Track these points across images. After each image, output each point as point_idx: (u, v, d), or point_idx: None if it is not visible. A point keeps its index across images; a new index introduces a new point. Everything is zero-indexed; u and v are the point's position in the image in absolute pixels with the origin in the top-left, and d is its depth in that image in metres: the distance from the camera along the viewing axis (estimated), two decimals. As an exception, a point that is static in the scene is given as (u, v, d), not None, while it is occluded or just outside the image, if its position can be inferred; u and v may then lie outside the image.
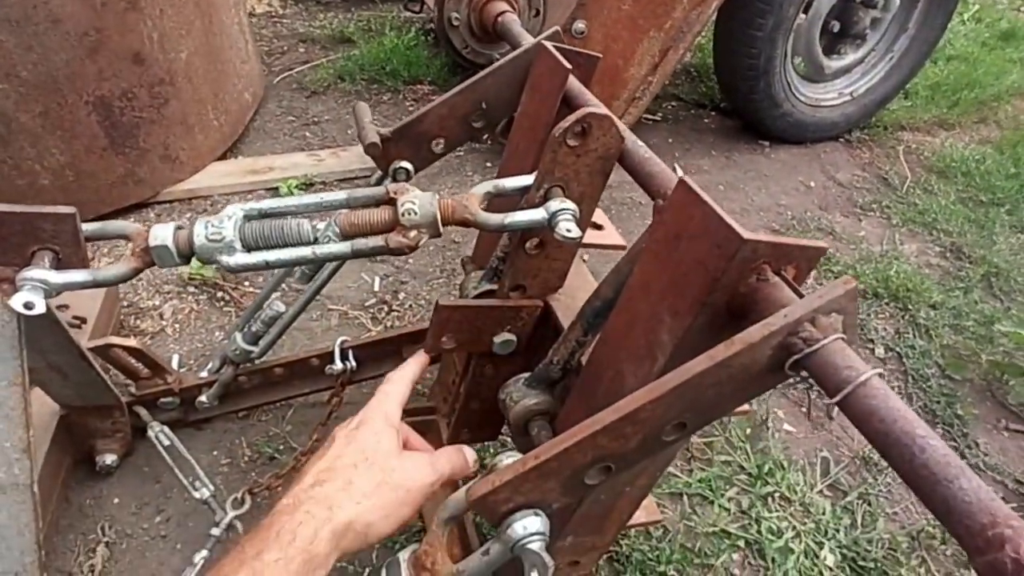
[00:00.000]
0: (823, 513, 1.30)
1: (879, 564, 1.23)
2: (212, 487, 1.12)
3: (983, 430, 1.54)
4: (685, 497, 1.31)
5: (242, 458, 1.29)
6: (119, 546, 1.13)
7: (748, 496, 1.32)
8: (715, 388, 0.51)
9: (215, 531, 1.06)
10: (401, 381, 0.73)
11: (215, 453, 1.29)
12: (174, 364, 1.28)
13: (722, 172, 2.39)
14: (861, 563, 1.22)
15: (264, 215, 0.73)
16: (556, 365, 0.79)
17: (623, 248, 1.11)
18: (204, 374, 1.26)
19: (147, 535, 1.15)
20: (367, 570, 1.12)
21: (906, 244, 2.14)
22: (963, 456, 1.47)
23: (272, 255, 0.71)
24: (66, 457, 1.18)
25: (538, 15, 2.30)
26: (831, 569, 1.21)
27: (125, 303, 1.58)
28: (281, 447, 1.30)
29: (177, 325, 1.56)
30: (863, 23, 2.40)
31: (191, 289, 1.65)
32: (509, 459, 0.57)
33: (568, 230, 0.72)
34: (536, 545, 0.54)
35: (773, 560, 1.21)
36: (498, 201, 0.79)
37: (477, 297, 0.94)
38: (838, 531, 1.27)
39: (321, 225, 0.73)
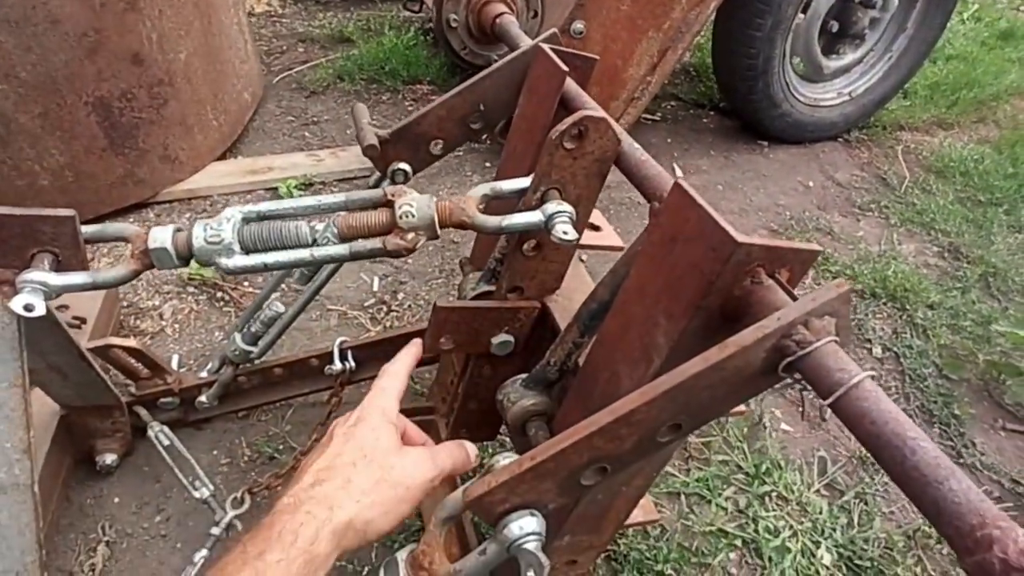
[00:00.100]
0: (820, 512, 1.30)
1: (875, 563, 1.23)
2: (212, 487, 1.12)
3: (980, 430, 1.55)
4: (683, 496, 1.31)
5: (242, 458, 1.29)
6: (120, 545, 1.14)
7: (745, 495, 1.32)
8: (709, 390, 0.51)
9: (215, 530, 1.06)
10: (396, 375, 0.72)
11: (215, 453, 1.30)
12: (174, 364, 1.28)
13: (721, 172, 2.39)
14: (857, 562, 1.23)
15: (263, 217, 0.74)
16: (553, 366, 0.80)
17: (620, 249, 1.12)
18: (204, 374, 1.26)
19: (147, 534, 1.16)
20: (366, 569, 1.13)
21: (904, 244, 2.14)
22: (960, 456, 1.48)
23: (271, 257, 0.71)
24: (66, 457, 1.18)
25: (536, 16, 2.31)
26: (828, 568, 1.21)
27: (125, 303, 1.58)
28: (281, 447, 1.31)
29: (177, 325, 1.56)
30: (862, 23, 2.40)
31: (191, 289, 1.65)
32: (505, 460, 0.58)
33: (565, 232, 0.72)
34: (532, 545, 0.54)
35: (770, 559, 1.21)
36: (496, 203, 0.79)
37: (475, 298, 0.95)
38: (835, 530, 1.27)
39: (320, 226, 0.74)
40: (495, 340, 0.93)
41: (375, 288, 1.72)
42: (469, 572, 0.57)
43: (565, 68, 0.88)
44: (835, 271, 1.96)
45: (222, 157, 2.10)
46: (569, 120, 0.73)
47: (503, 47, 1.78)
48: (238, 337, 1.17)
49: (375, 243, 0.73)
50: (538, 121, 0.92)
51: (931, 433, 1.53)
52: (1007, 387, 1.64)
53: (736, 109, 2.60)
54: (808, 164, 2.50)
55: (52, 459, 1.11)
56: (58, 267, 0.71)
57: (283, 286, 1.51)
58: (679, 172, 2.37)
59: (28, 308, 0.65)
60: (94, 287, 0.71)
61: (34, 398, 0.83)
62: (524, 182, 0.79)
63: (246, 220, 0.72)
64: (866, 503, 1.34)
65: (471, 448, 0.71)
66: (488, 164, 2.25)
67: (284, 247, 0.72)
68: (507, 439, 1.25)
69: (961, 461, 1.47)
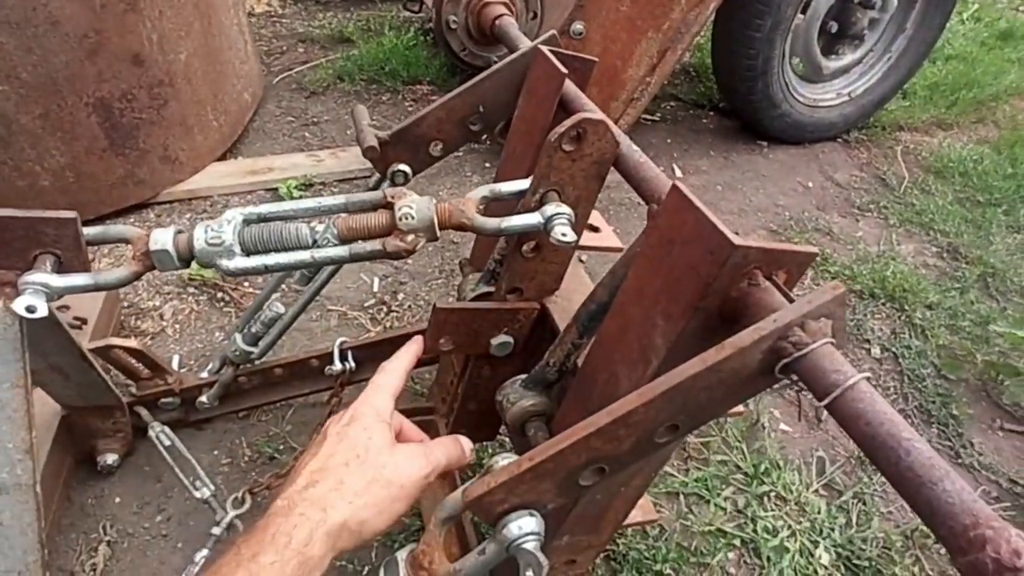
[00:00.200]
0: (818, 512, 1.31)
1: (873, 563, 1.24)
2: (213, 487, 1.13)
3: (978, 430, 1.55)
4: (681, 496, 1.32)
5: (242, 458, 1.30)
6: (121, 545, 1.15)
7: (744, 495, 1.33)
8: (707, 391, 0.52)
9: (216, 530, 1.07)
10: (394, 372, 0.72)
11: (215, 453, 1.30)
12: (174, 365, 1.29)
13: (720, 172, 2.40)
14: (856, 562, 1.23)
15: (263, 219, 0.74)
16: (552, 367, 0.80)
17: (619, 250, 1.12)
18: (204, 374, 1.27)
19: (148, 534, 1.16)
20: (366, 569, 1.13)
21: (903, 244, 2.15)
22: (958, 456, 1.48)
23: (271, 259, 0.72)
24: (68, 457, 1.19)
25: (536, 18, 2.31)
26: (826, 568, 1.22)
27: (125, 304, 1.59)
28: (281, 447, 1.31)
29: (177, 326, 1.57)
30: (861, 24, 2.41)
31: (191, 290, 1.66)
32: (504, 460, 0.58)
33: (563, 234, 0.72)
34: (531, 545, 0.55)
35: (768, 559, 1.22)
36: (495, 205, 0.79)
37: (475, 299, 0.95)
38: (833, 530, 1.28)
39: (320, 228, 0.74)
40: (494, 341, 0.93)
41: (375, 289, 1.73)
42: (469, 572, 0.58)
43: (564, 70, 0.88)
44: (834, 271, 1.97)
45: (222, 157, 2.11)
46: (568, 122, 0.73)
47: (503, 49, 1.78)
48: (239, 338, 1.17)
49: (375, 245, 0.73)
50: (537, 123, 0.92)
51: (929, 433, 1.53)
52: (1005, 387, 1.64)
53: (735, 109, 2.61)
54: (807, 164, 2.50)
55: (53, 459, 1.12)
56: (60, 269, 0.71)
57: (283, 287, 1.52)
58: (679, 172, 2.38)
59: (30, 309, 0.66)
60: (96, 288, 0.71)
61: (35, 398, 0.84)
62: (523, 184, 0.80)
63: (247, 222, 0.73)
64: (864, 503, 1.34)
65: (466, 443, 0.70)
66: (488, 165, 2.25)
67: (284, 249, 0.73)
68: (506, 439, 1.26)
69: (959, 461, 1.47)
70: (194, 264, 0.72)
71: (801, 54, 2.41)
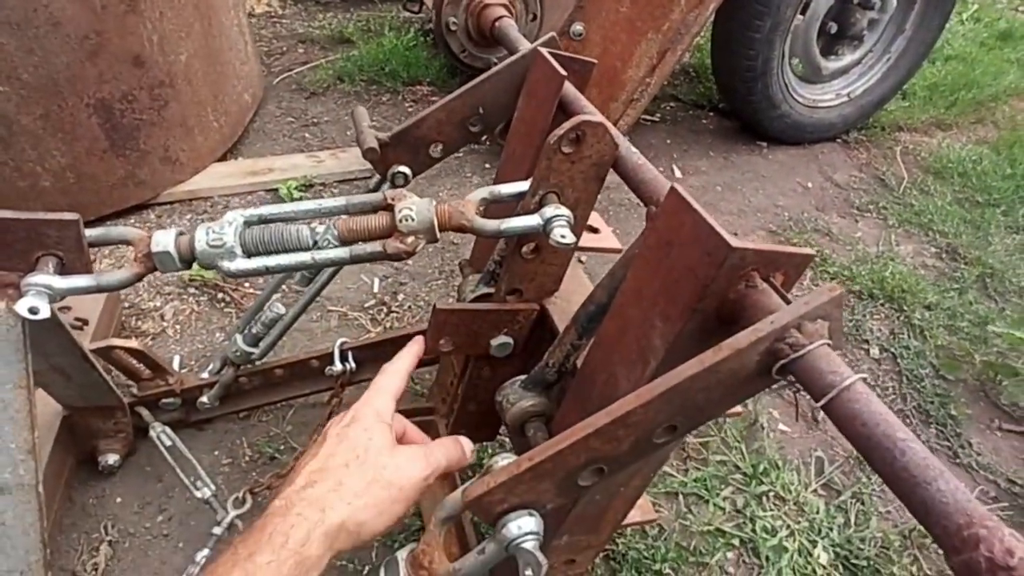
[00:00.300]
0: (817, 512, 1.31)
1: (872, 562, 1.24)
2: (213, 487, 1.13)
3: (976, 430, 1.56)
4: (680, 496, 1.32)
5: (243, 458, 1.30)
6: (122, 545, 1.15)
7: (743, 495, 1.33)
8: (704, 392, 0.52)
9: (217, 530, 1.07)
10: (395, 373, 0.72)
11: (216, 453, 1.31)
12: (175, 365, 1.29)
13: (720, 173, 2.40)
14: (854, 561, 1.24)
15: (264, 221, 0.75)
16: (552, 368, 0.80)
17: (618, 251, 1.13)
18: (205, 375, 1.27)
19: (149, 534, 1.17)
20: (367, 568, 1.14)
21: (902, 245, 2.15)
22: (956, 456, 1.49)
23: (272, 260, 0.72)
24: (69, 457, 1.19)
25: (535, 19, 2.31)
26: (824, 567, 1.22)
27: (126, 304, 1.59)
28: (282, 447, 1.32)
29: (178, 326, 1.57)
30: (860, 24, 2.41)
31: (192, 291, 1.66)
32: (504, 461, 0.59)
33: (562, 236, 0.73)
34: (530, 544, 0.55)
35: (767, 558, 1.22)
36: (495, 207, 0.80)
37: (474, 300, 0.96)
38: (831, 530, 1.28)
39: (320, 228, 0.74)
40: (494, 342, 0.93)
41: (375, 289, 1.73)
42: (468, 571, 0.58)
43: (563, 72, 0.88)
44: (833, 272, 1.97)
45: (223, 158, 2.11)
46: (567, 125, 0.74)
47: (502, 50, 1.79)
48: (239, 338, 1.18)
49: (375, 246, 0.73)
50: (537, 125, 0.92)
51: (928, 433, 1.54)
52: (1003, 387, 1.65)
53: (735, 110, 2.61)
54: (807, 165, 2.50)
55: (55, 459, 1.12)
56: (62, 270, 0.72)
57: (284, 288, 1.52)
58: (678, 173, 2.38)
59: (33, 311, 0.66)
60: (98, 290, 0.71)
61: (37, 399, 0.84)
62: (523, 186, 0.80)
63: (247, 224, 0.73)
64: (863, 503, 1.35)
65: (466, 444, 0.70)
66: (488, 166, 2.25)
67: (285, 250, 0.73)
68: (506, 440, 1.26)
69: (957, 461, 1.48)
70: (195, 265, 0.72)
71: (800, 55, 2.42)
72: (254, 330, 1.17)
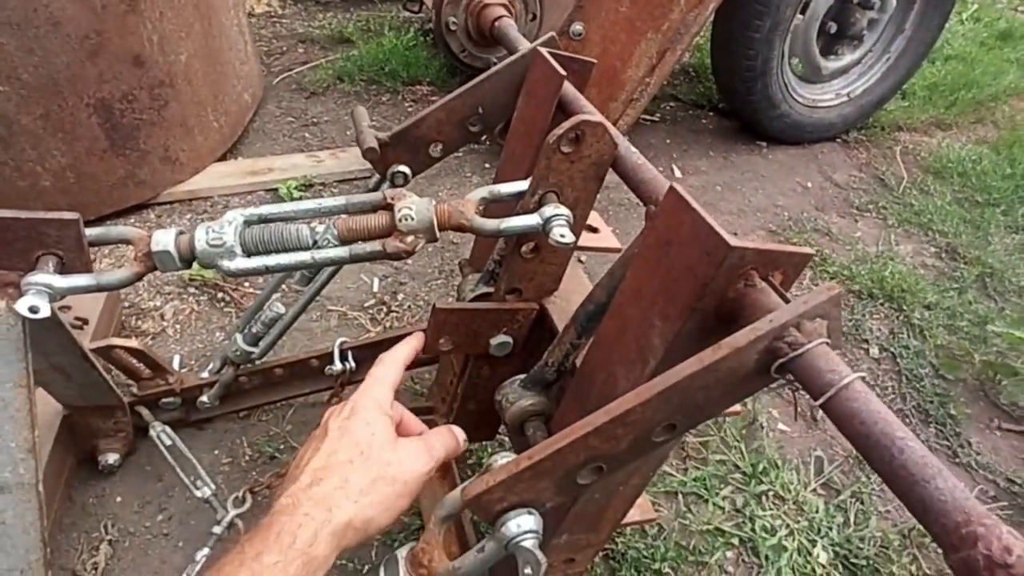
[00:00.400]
0: (816, 511, 1.31)
1: (871, 561, 1.24)
2: (213, 486, 1.13)
3: (976, 429, 1.56)
4: (680, 496, 1.32)
5: (243, 457, 1.30)
6: (122, 544, 1.15)
7: (742, 495, 1.33)
8: (703, 391, 0.52)
9: (217, 529, 1.07)
10: (393, 363, 0.71)
11: (216, 452, 1.31)
12: (175, 365, 1.29)
13: (720, 173, 2.40)
14: (853, 560, 1.24)
15: (264, 220, 0.75)
16: (551, 367, 0.81)
17: (618, 251, 1.13)
18: (205, 374, 1.27)
19: (149, 533, 1.17)
20: (366, 567, 1.14)
21: (902, 245, 2.15)
22: (956, 456, 1.49)
23: (272, 260, 0.72)
24: (69, 457, 1.19)
25: (535, 19, 2.31)
26: (824, 566, 1.22)
27: (126, 304, 1.59)
28: (281, 446, 1.32)
29: (178, 326, 1.57)
30: (860, 24, 2.41)
31: (192, 290, 1.66)
32: (503, 459, 0.59)
33: (562, 235, 0.73)
34: (529, 543, 0.55)
35: (767, 558, 1.22)
36: (494, 206, 0.80)
37: (474, 300, 0.96)
38: (831, 529, 1.29)
39: (320, 228, 0.75)
40: (494, 341, 0.94)
41: (375, 289, 1.73)
42: (468, 569, 0.58)
43: (563, 72, 0.89)
44: (833, 272, 1.97)
45: (222, 158, 2.11)
46: (566, 124, 0.74)
47: (502, 50, 1.79)
48: (239, 338, 1.18)
49: (375, 246, 0.73)
50: (536, 124, 0.93)
51: (927, 433, 1.54)
52: (1003, 387, 1.65)
53: (735, 110, 2.61)
54: (807, 165, 2.51)
55: (55, 459, 1.12)
56: (62, 269, 0.72)
57: (284, 287, 1.53)
58: (678, 173, 2.38)
59: (33, 310, 0.66)
60: (98, 289, 0.71)
61: (38, 398, 0.84)
62: (522, 185, 0.80)
63: (247, 223, 0.73)
64: (862, 502, 1.35)
65: (459, 433, 0.71)
66: (487, 165, 2.26)
67: (285, 249, 0.73)
68: (506, 439, 1.26)
69: (957, 461, 1.48)
70: (195, 265, 0.72)
71: (800, 54, 2.42)
72: (254, 329, 1.17)
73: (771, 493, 1.34)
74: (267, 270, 0.73)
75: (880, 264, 2.01)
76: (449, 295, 1.74)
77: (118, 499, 1.21)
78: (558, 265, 0.92)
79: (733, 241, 0.53)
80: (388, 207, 0.74)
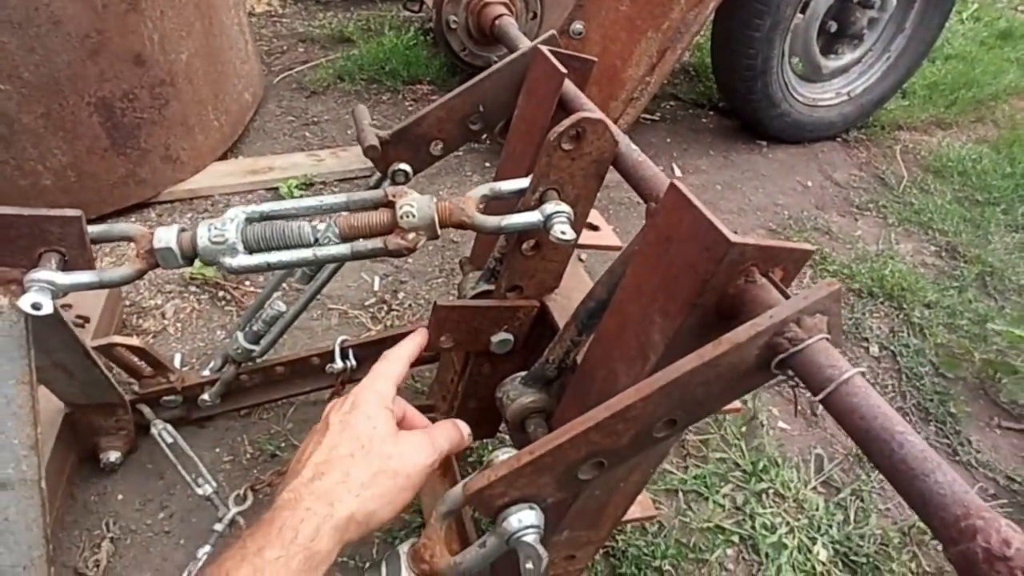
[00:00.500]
0: (816, 509, 1.32)
1: (871, 559, 1.24)
2: (215, 484, 1.13)
3: (976, 428, 1.56)
4: (680, 493, 1.32)
5: (244, 455, 1.30)
6: (123, 541, 1.15)
7: (742, 492, 1.34)
8: (704, 386, 0.53)
9: (218, 527, 1.07)
10: (397, 359, 0.71)
11: (217, 450, 1.31)
12: (176, 363, 1.30)
13: (720, 172, 2.40)
14: (853, 558, 1.24)
15: (265, 217, 0.75)
16: (552, 364, 0.81)
17: (618, 249, 1.13)
18: (206, 372, 1.27)
19: (151, 531, 1.17)
20: (368, 564, 1.14)
21: (902, 243, 2.15)
22: (956, 454, 1.49)
23: (273, 257, 0.73)
24: (71, 454, 1.19)
25: (535, 18, 2.31)
26: (824, 564, 1.23)
27: (127, 302, 1.60)
28: (283, 444, 1.32)
29: (179, 324, 1.58)
30: (860, 23, 2.41)
31: (193, 289, 1.67)
32: (505, 455, 0.59)
33: (563, 232, 0.73)
34: (531, 538, 0.55)
35: (767, 555, 1.23)
36: (495, 203, 0.80)
37: (475, 297, 0.96)
38: (831, 527, 1.29)
39: (321, 226, 0.75)
40: (495, 338, 0.94)
41: (376, 287, 1.74)
42: (469, 564, 0.58)
43: (563, 70, 0.89)
44: (833, 270, 1.98)
45: (223, 157, 2.11)
46: (567, 122, 0.74)
47: (502, 48, 1.79)
48: (240, 336, 1.18)
49: (376, 243, 0.74)
50: (537, 122, 0.93)
51: (927, 431, 1.54)
52: (1003, 385, 1.65)
53: (735, 109, 2.61)
54: (807, 164, 2.51)
55: (57, 456, 1.13)
56: (65, 266, 0.72)
57: (284, 285, 1.53)
58: (678, 172, 2.39)
59: (36, 307, 0.66)
60: (100, 286, 0.72)
61: (39, 396, 0.84)
62: (523, 183, 0.80)
63: (249, 220, 0.74)
64: (862, 500, 1.35)
65: (463, 427, 0.70)
66: (488, 164, 2.26)
67: (287, 247, 0.73)
68: (507, 437, 1.27)
69: (957, 459, 1.48)
70: (196, 262, 0.72)
71: (800, 53, 2.42)
72: (255, 328, 1.17)
73: (771, 491, 1.34)
74: (269, 267, 0.73)
75: (880, 263, 2.01)
76: (450, 293, 1.74)
77: (120, 497, 1.21)
78: (559, 262, 0.92)
79: (733, 237, 0.53)
80: (389, 204, 0.75)
